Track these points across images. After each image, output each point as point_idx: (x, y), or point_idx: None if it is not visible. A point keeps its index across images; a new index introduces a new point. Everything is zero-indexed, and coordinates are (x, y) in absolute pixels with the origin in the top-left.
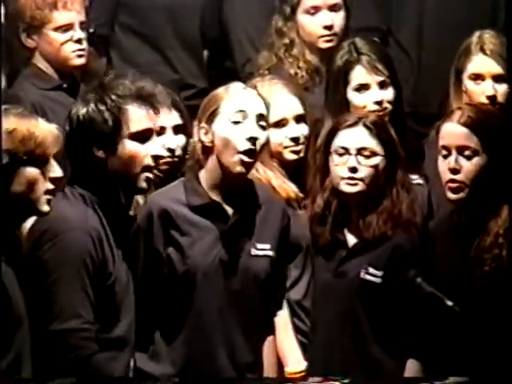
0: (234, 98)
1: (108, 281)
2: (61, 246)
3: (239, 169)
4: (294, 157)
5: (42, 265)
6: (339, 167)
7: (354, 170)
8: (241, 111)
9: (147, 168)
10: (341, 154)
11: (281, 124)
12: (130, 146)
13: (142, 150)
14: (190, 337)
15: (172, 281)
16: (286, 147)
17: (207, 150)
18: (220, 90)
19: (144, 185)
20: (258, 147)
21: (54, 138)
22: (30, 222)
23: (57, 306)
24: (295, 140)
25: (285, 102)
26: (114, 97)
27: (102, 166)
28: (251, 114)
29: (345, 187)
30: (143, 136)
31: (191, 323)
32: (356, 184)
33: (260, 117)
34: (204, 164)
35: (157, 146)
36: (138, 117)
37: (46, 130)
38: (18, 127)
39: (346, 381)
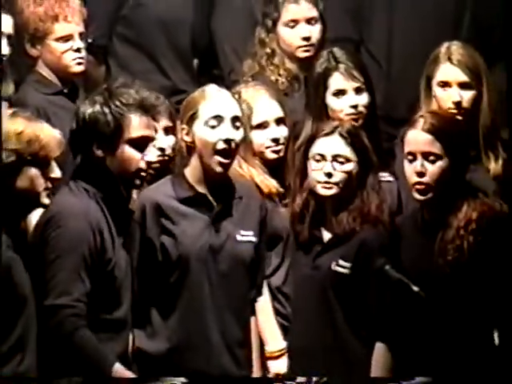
0: (210, 102)
1: (108, 266)
2: (62, 232)
3: (218, 169)
4: (274, 156)
5: (45, 246)
6: (316, 172)
7: (329, 175)
8: (217, 116)
9: (140, 170)
10: (318, 160)
11: (263, 126)
12: (127, 151)
13: (138, 156)
14: (184, 315)
15: (166, 265)
16: (267, 147)
17: (190, 149)
18: (197, 94)
19: (138, 182)
20: (233, 146)
21: (56, 143)
22: (37, 215)
23: (51, 284)
24: (276, 141)
25: (266, 106)
26: (118, 103)
27: (101, 163)
28: (226, 117)
29: (321, 190)
30: (141, 142)
31: (185, 303)
32: (331, 188)
33: (235, 119)
34: (188, 161)
35: (152, 153)
36: (138, 124)
37: (50, 135)
38: (25, 130)
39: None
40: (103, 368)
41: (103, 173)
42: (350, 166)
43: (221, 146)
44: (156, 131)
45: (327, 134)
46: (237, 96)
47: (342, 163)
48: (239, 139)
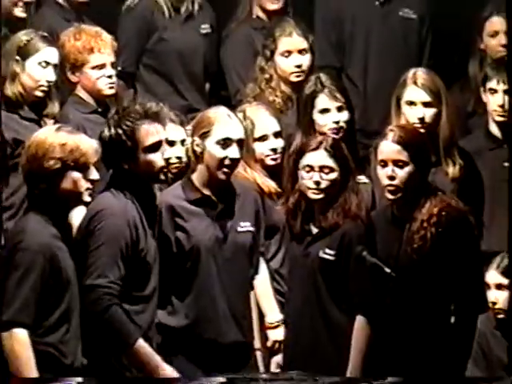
0: (222, 125)
1: (141, 254)
2: (104, 226)
3: (222, 177)
4: (272, 163)
5: (90, 236)
6: (307, 181)
7: (317, 183)
8: (227, 138)
9: (162, 167)
10: (307, 171)
11: (263, 138)
12: (146, 157)
13: (157, 157)
14: (198, 296)
15: (181, 256)
16: (267, 156)
17: (198, 158)
18: (212, 115)
19: (163, 177)
20: (236, 163)
21: (94, 151)
22: (79, 212)
23: (92, 267)
24: (274, 150)
25: (266, 122)
26: (128, 122)
27: (129, 172)
28: (234, 139)
29: (311, 195)
30: (155, 147)
31: (197, 286)
32: (319, 193)
33: (240, 141)
34: (196, 167)
35: (167, 152)
36: (148, 133)
37: (88, 144)
38: (67, 141)
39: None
40: (128, 341)
41: (133, 179)
42: (333, 175)
43: (227, 162)
44: (174, 142)
45: (314, 149)
46: (242, 113)
47: (327, 173)
48: (240, 156)
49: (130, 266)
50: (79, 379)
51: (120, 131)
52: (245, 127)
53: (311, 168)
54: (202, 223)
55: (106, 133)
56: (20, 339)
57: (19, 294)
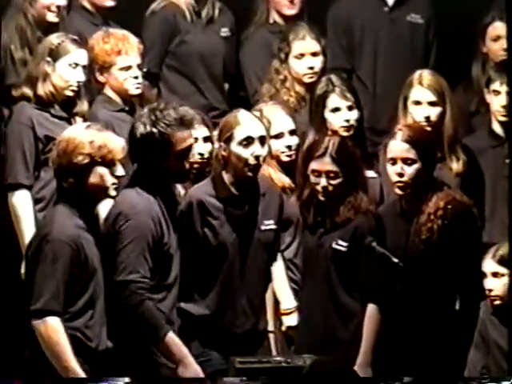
0: (243, 126)
1: (165, 247)
2: (131, 224)
3: (250, 174)
4: (287, 159)
5: (118, 235)
6: (315, 184)
7: (325, 187)
8: (248, 137)
9: (187, 171)
10: (316, 176)
11: (279, 136)
12: (175, 160)
13: (184, 162)
14: (220, 289)
15: (207, 251)
16: (282, 152)
17: (226, 160)
18: (232, 119)
19: (185, 179)
20: (261, 160)
21: (120, 148)
22: (105, 205)
23: (123, 264)
24: (289, 147)
25: (282, 120)
26: (163, 124)
27: (154, 170)
28: (256, 137)
29: (320, 197)
30: (185, 151)
31: (221, 279)
32: (327, 195)
33: (261, 138)
34: (225, 169)
35: (194, 156)
36: (182, 139)
37: (115, 142)
38: (96, 139)
39: None
40: (159, 334)
41: (157, 176)
42: (339, 179)
43: (252, 161)
44: (196, 139)
45: (320, 156)
46: (259, 112)
47: (333, 178)
48: (265, 153)
49: (155, 259)
50: (126, 379)
51: (156, 131)
52: (264, 124)
53: (319, 173)
54: (229, 222)
55: (142, 130)
56: (54, 326)
57: (49, 283)
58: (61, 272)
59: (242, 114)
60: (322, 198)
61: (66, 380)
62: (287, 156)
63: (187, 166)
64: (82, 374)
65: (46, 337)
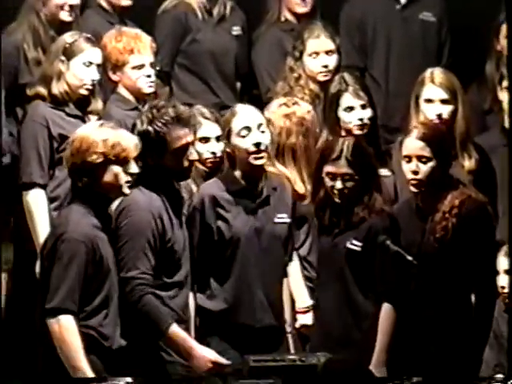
0: (239, 117)
1: (168, 244)
2: (132, 221)
3: (256, 162)
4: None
5: (119, 231)
6: (330, 185)
7: (341, 190)
8: (245, 127)
9: (186, 169)
10: (330, 178)
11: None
12: (172, 158)
13: (182, 160)
14: (236, 281)
15: (221, 243)
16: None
17: (233, 156)
18: (229, 114)
19: (186, 176)
20: (262, 147)
21: (134, 146)
22: (115, 205)
23: (123, 261)
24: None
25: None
26: (159, 123)
27: (154, 167)
28: (253, 126)
29: (335, 199)
30: (183, 149)
31: (236, 272)
32: (343, 197)
33: (259, 125)
34: (232, 164)
35: (202, 147)
36: (178, 136)
37: (129, 140)
38: (110, 137)
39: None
40: (162, 327)
41: (157, 173)
42: (354, 182)
43: (252, 148)
44: (209, 138)
45: (335, 159)
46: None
47: (348, 180)
48: (266, 141)
49: (159, 256)
50: (128, 379)
51: (151, 129)
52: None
53: (333, 175)
54: (242, 214)
55: (139, 127)
56: (68, 325)
57: (64, 282)
58: (76, 271)
59: (238, 107)
60: (337, 201)
61: (67, 380)
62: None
63: (186, 163)
64: (91, 375)
65: (59, 335)
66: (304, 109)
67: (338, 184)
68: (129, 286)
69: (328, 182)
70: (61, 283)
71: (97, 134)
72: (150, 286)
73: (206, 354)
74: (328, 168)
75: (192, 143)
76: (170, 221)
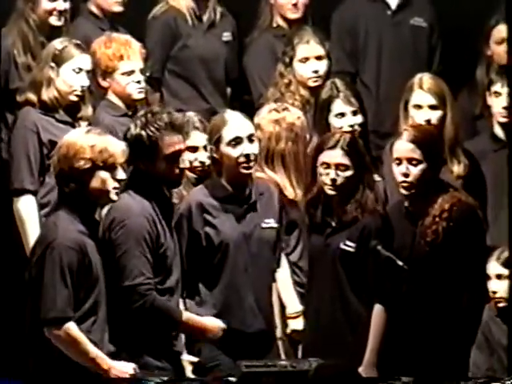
0: (230, 126)
1: (161, 249)
2: (127, 228)
3: (244, 171)
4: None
5: (115, 242)
6: (324, 176)
7: (334, 180)
8: (236, 137)
9: (177, 176)
10: (325, 168)
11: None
12: (164, 165)
13: (173, 167)
14: (225, 287)
15: (210, 250)
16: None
17: (220, 161)
18: (219, 120)
19: (177, 184)
20: (252, 158)
21: (121, 152)
22: (104, 211)
23: (127, 269)
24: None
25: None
26: (153, 128)
27: (145, 172)
28: (244, 136)
29: (328, 191)
30: (174, 156)
31: (225, 277)
32: (335, 189)
33: (250, 136)
34: (220, 170)
35: (190, 156)
36: (170, 143)
37: (116, 146)
38: (97, 143)
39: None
40: (177, 317)
41: (148, 180)
42: (349, 172)
43: (242, 159)
44: (197, 148)
45: (331, 148)
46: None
47: (343, 170)
48: (255, 150)
49: (154, 259)
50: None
51: (144, 134)
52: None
53: (328, 165)
54: (230, 220)
55: (132, 131)
56: (74, 330)
57: (61, 291)
58: (70, 278)
59: (228, 115)
60: (329, 192)
61: (67, 380)
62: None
63: (177, 171)
64: (111, 362)
65: (68, 340)
66: (294, 115)
67: (332, 173)
68: (137, 293)
69: (322, 172)
70: (58, 292)
71: (84, 139)
72: (154, 288)
73: (218, 323)
74: (323, 157)
75: (184, 150)
76: (161, 227)
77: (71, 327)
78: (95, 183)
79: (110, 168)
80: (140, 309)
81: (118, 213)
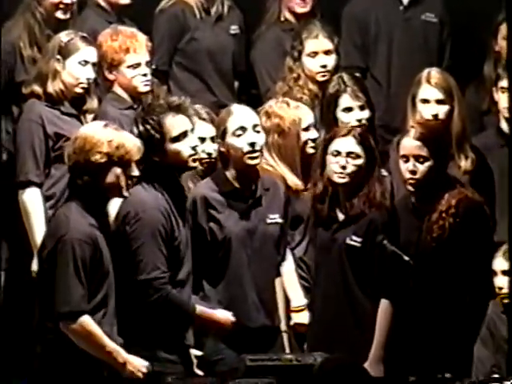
0: (234, 117)
1: (175, 242)
2: (142, 221)
3: (250, 162)
4: (312, 151)
5: (130, 235)
6: (333, 164)
7: (344, 167)
8: (241, 127)
9: (190, 155)
10: (335, 155)
11: (307, 129)
12: (174, 147)
13: (183, 147)
14: (229, 282)
15: (214, 245)
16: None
17: (227, 155)
18: (224, 113)
19: (193, 164)
20: (257, 147)
21: (137, 149)
22: (116, 205)
23: (143, 263)
24: (313, 141)
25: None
26: (153, 117)
27: (159, 164)
28: (248, 126)
29: (337, 179)
30: (181, 137)
31: (230, 273)
32: (344, 177)
33: (255, 126)
34: (227, 164)
35: (193, 140)
36: (174, 124)
37: (132, 142)
38: (114, 138)
39: None
40: (190, 310)
41: (162, 171)
42: (359, 161)
43: (247, 148)
44: (204, 139)
45: (343, 136)
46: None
47: (353, 158)
48: (261, 140)
49: (168, 252)
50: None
51: (148, 126)
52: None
53: (338, 153)
54: (234, 215)
55: (135, 130)
56: (89, 323)
57: (75, 284)
58: (83, 271)
59: (233, 107)
60: (338, 180)
61: (68, 380)
62: (312, 148)
63: (189, 151)
64: (127, 355)
65: (86, 335)
66: (287, 110)
67: (342, 161)
68: (153, 287)
69: (332, 160)
70: (72, 285)
71: (102, 134)
72: (169, 281)
73: (228, 316)
74: (334, 145)
75: (191, 130)
76: (175, 220)
77: (87, 320)
78: (109, 178)
79: (125, 164)
80: (155, 302)
81: (132, 206)
